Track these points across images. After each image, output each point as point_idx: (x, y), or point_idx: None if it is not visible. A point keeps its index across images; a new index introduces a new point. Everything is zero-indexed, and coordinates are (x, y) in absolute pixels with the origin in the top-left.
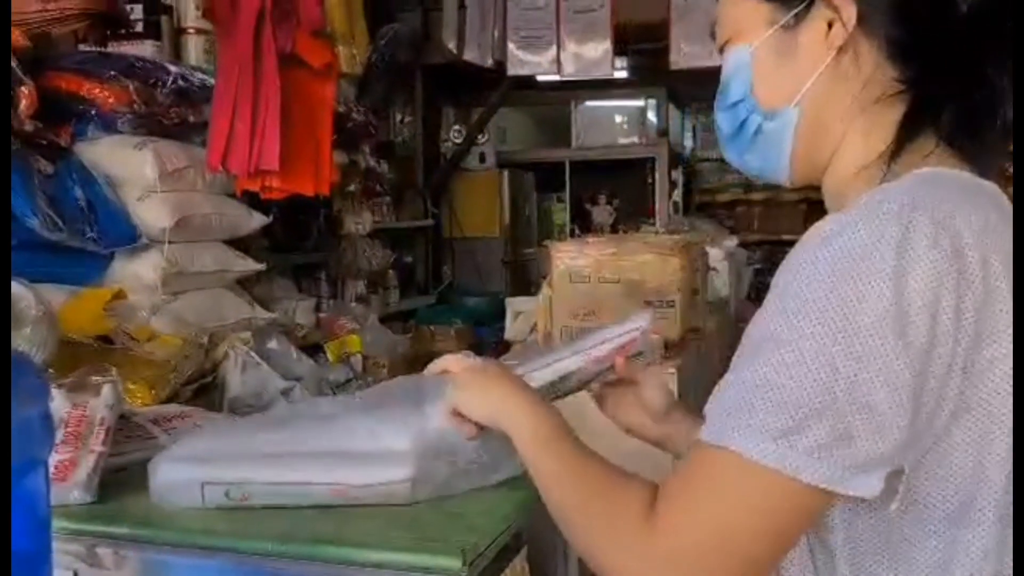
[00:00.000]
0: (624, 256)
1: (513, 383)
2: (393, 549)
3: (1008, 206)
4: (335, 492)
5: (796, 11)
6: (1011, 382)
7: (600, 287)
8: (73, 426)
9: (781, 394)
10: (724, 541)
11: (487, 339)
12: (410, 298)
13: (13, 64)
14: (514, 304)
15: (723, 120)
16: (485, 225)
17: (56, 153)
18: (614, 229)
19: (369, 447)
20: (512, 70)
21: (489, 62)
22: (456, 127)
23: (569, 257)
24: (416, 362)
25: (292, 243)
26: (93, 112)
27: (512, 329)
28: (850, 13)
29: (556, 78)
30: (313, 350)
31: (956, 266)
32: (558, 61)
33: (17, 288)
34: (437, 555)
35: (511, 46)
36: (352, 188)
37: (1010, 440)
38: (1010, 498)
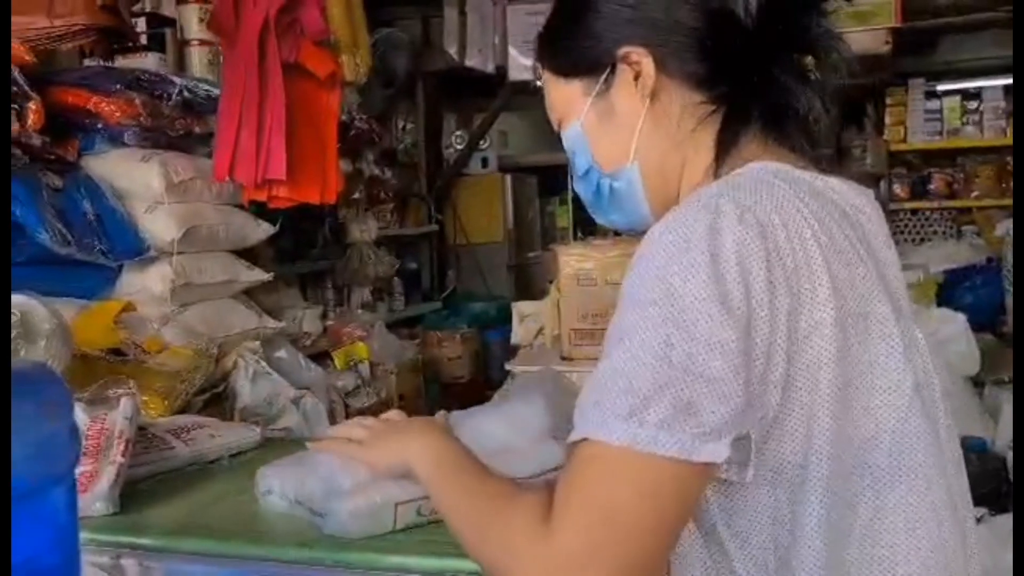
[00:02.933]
0: (631, 258)
1: (417, 427)
2: (410, 553)
3: (832, 195)
4: None
5: (603, 77)
6: (831, 351)
7: (608, 289)
8: (93, 439)
9: (626, 379)
10: (609, 529)
11: (494, 343)
12: (416, 304)
13: (20, 80)
14: (520, 308)
15: (581, 189)
16: (489, 230)
17: (64, 167)
18: (617, 232)
19: (531, 438)
20: (514, 75)
21: (491, 68)
22: (458, 133)
23: (576, 260)
24: (424, 368)
25: (298, 252)
26: (100, 126)
27: (518, 333)
28: (648, 65)
29: None
30: (320, 358)
31: (762, 241)
32: None
33: (30, 302)
34: (453, 559)
35: (512, 51)
36: (357, 196)
37: (830, 419)
38: (835, 478)
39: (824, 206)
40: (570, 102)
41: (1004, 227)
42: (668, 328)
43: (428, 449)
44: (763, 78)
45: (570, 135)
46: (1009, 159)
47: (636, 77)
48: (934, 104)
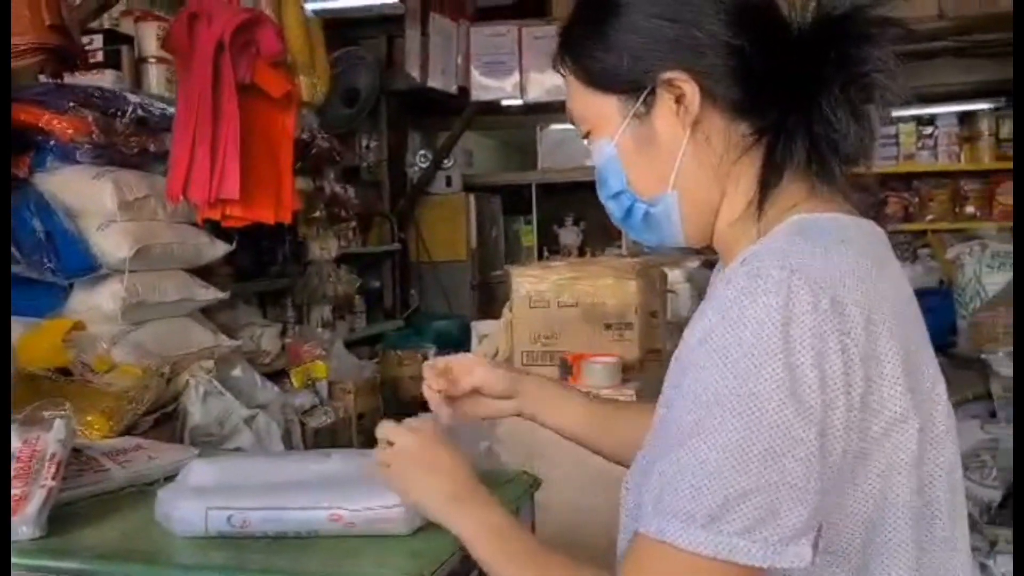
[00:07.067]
0: (583, 280)
1: (449, 477)
2: None
3: (881, 241)
4: (333, 518)
5: (643, 99)
6: (901, 414)
7: (559, 311)
8: (24, 461)
9: (701, 480)
10: None
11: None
12: (377, 322)
13: None
14: (479, 328)
15: (611, 207)
16: (452, 248)
17: (14, 184)
18: (582, 251)
19: (363, 475)
20: (476, 96)
21: (453, 88)
22: (422, 151)
23: (529, 282)
24: (384, 387)
25: (258, 270)
26: (52, 143)
27: (477, 353)
28: (692, 91)
29: (520, 102)
30: (279, 376)
31: (837, 322)
32: (521, 86)
33: None
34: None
35: (474, 72)
36: (317, 214)
37: (910, 465)
38: (919, 517)
39: (876, 264)
40: (602, 118)
41: (955, 251)
42: (744, 429)
43: (482, 526)
44: (808, 110)
45: (602, 154)
46: (962, 183)
47: (678, 101)
48: (890, 130)
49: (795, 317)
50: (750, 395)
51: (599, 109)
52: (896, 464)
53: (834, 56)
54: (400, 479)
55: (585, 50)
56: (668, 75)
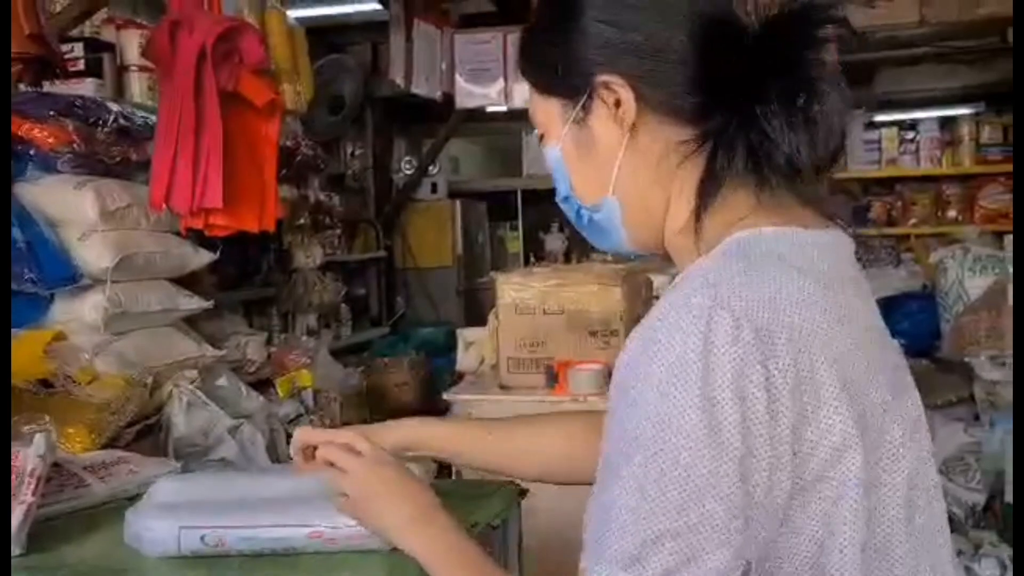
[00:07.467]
0: (568, 287)
1: (406, 500)
2: None
3: (842, 254)
4: (313, 535)
5: (581, 103)
6: (842, 443)
7: (545, 318)
8: None
9: (625, 521)
10: None
11: (443, 370)
12: (363, 330)
13: None
14: (465, 335)
15: (564, 209)
16: (438, 255)
17: None
18: (568, 257)
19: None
20: (461, 102)
21: (437, 95)
22: (407, 158)
23: (514, 289)
24: (370, 395)
25: (242, 278)
26: (32, 152)
27: (464, 360)
28: (627, 96)
29: (505, 109)
30: (265, 385)
31: (761, 353)
32: (506, 93)
33: None
34: None
35: (459, 79)
36: (302, 222)
37: (857, 495)
38: (874, 547)
39: (821, 282)
40: (549, 122)
41: (938, 255)
42: (662, 469)
43: (441, 548)
44: (745, 117)
45: (550, 157)
46: (944, 187)
47: (616, 105)
48: (873, 134)
49: (715, 350)
50: (669, 433)
51: (546, 113)
52: (839, 498)
53: (773, 61)
54: (360, 505)
55: (534, 54)
56: (604, 79)
